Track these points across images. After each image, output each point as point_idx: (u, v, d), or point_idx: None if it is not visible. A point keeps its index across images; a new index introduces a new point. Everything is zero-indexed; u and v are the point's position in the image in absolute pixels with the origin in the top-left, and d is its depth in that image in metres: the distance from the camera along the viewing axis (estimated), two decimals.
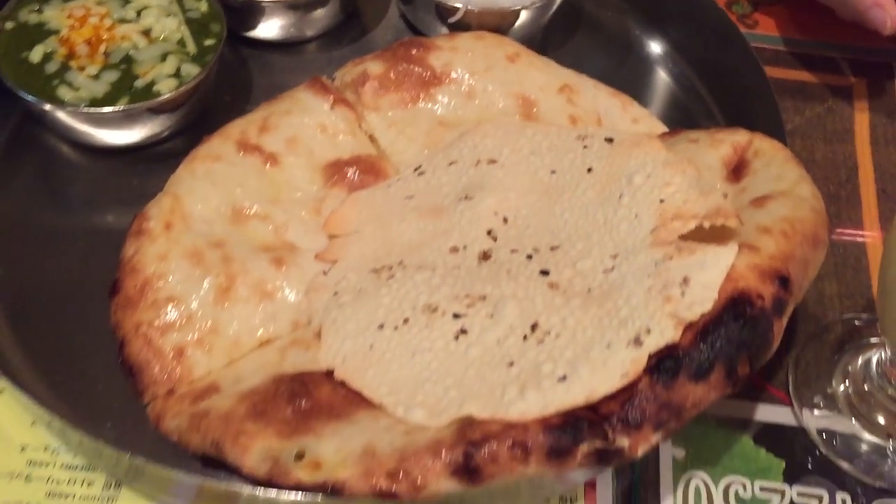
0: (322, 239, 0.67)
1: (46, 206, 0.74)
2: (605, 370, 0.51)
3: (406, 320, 0.58)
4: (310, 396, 0.56)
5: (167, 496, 0.58)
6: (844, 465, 0.63)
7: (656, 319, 0.52)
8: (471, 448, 0.50)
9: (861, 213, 0.78)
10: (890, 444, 0.64)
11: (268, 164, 0.69)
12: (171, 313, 0.61)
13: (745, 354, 0.52)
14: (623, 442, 0.50)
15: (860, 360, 0.67)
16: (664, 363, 0.51)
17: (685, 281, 0.53)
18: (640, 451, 0.50)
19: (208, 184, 0.67)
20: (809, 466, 0.63)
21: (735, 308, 0.52)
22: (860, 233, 0.76)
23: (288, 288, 0.63)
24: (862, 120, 0.85)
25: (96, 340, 0.64)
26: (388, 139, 0.74)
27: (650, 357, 0.51)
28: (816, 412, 0.65)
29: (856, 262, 0.75)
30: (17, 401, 0.63)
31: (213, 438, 0.55)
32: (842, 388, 0.66)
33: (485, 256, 0.62)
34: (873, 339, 0.68)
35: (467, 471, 0.49)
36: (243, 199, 0.67)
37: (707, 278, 0.53)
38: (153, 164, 0.75)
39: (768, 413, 0.66)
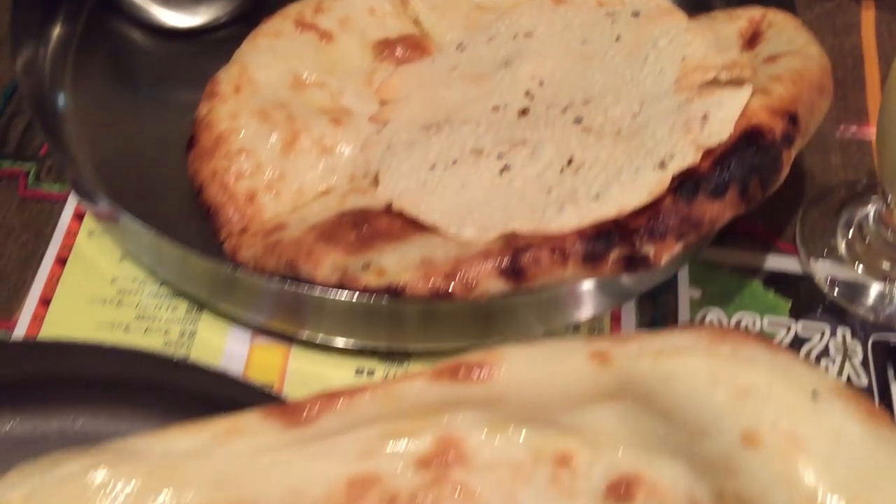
0: (374, 105, 0.74)
1: (122, 85, 0.81)
2: (634, 189, 0.58)
3: (455, 161, 0.65)
4: (370, 224, 0.63)
5: (246, 312, 0.65)
6: (846, 304, 0.70)
7: (679, 146, 0.59)
8: (517, 253, 0.57)
9: (866, 96, 0.85)
10: (886, 287, 0.71)
11: (323, 41, 0.76)
12: (244, 163, 0.69)
13: (756, 177, 0.58)
14: (649, 250, 0.57)
15: (860, 213, 0.74)
16: (685, 183, 0.58)
17: (705, 117, 0.60)
18: (664, 258, 0.57)
19: (271, 55, 0.75)
20: (813, 306, 0.71)
21: (749, 138, 0.59)
22: (866, 129, 0.83)
23: (345, 143, 0.71)
24: (868, 17, 0.92)
25: (173, 192, 0.71)
26: (430, 22, 0.80)
27: (673, 178, 0.58)
28: (821, 261, 0.72)
29: (859, 139, 0.82)
30: (108, 238, 0.71)
31: (287, 259, 0.62)
32: (844, 239, 0.73)
33: (523, 112, 0.69)
34: (874, 197, 0.75)
35: (514, 272, 0.57)
36: (302, 70, 0.75)
37: (724, 114, 0.60)
38: (215, 48, 0.81)
39: (777, 262, 0.73)
